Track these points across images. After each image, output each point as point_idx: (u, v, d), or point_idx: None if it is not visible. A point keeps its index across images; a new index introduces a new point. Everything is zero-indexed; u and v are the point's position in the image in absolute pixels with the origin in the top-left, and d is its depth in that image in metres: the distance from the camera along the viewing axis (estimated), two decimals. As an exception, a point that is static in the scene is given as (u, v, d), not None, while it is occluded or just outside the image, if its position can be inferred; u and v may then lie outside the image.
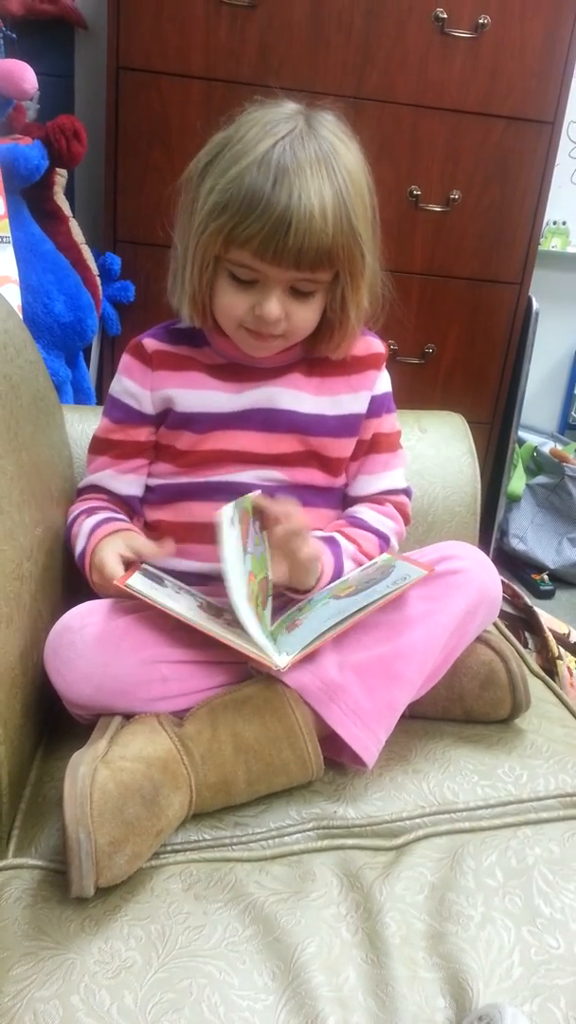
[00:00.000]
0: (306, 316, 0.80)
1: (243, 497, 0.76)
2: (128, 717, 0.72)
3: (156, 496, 0.89)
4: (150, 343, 0.88)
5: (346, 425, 0.89)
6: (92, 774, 0.62)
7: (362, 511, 0.90)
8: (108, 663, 0.71)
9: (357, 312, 0.82)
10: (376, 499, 0.91)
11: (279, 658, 0.70)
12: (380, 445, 0.92)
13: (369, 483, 0.91)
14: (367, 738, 0.72)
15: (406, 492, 0.94)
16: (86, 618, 0.73)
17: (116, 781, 0.62)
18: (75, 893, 0.59)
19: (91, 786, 0.61)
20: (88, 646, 0.71)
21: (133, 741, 0.67)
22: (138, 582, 0.74)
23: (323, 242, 0.73)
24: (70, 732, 0.76)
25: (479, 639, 0.83)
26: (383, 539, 0.88)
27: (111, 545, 0.79)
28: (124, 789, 0.62)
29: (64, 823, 0.59)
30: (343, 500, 0.93)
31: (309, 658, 0.74)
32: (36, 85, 1.39)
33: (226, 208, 0.73)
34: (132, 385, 0.88)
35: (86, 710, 0.73)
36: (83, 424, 1.05)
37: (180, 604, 0.74)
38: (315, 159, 0.73)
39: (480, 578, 0.79)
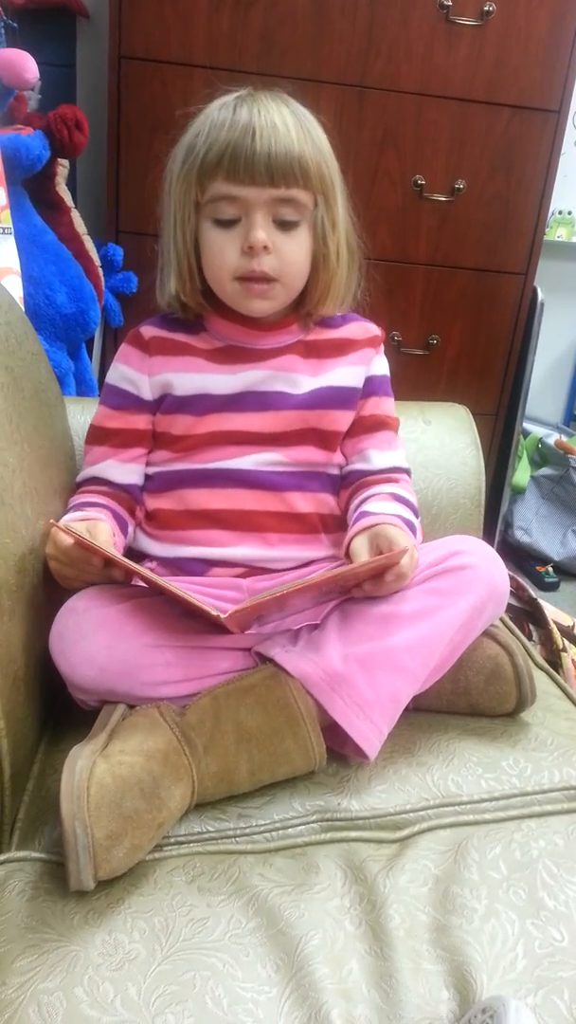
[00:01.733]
0: (294, 250, 0.81)
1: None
2: (131, 707, 0.72)
3: (155, 484, 0.89)
4: (147, 330, 0.88)
5: (343, 398, 0.89)
6: (90, 768, 0.62)
7: (392, 504, 0.86)
8: (112, 645, 0.71)
9: (338, 248, 0.84)
10: (389, 477, 0.90)
11: (214, 610, 0.69)
12: (387, 424, 0.92)
13: (381, 457, 0.90)
14: (369, 730, 0.71)
15: (408, 473, 0.94)
16: (91, 600, 0.74)
17: (114, 775, 0.62)
18: (74, 887, 0.59)
19: (89, 780, 0.60)
20: (93, 628, 0.72)
21: (133, 734, 0.67)
22: (76, 527, 0.74)
23: (290, 149, 0.77)
24: (74, 725, 0.76)
25: (485, 633, 0.83)
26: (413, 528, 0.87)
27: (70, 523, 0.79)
28: (122, 783, 0.62)
29: (61, 817, 0.59)
30: (344, 478, 0.91)
31: (313, 648, 0.74)
32: (38, 75, 1.38)
33: (193, 149, 0.79)
34: (129, 371, 0.88)
35: (89, 694, 0.73)
36: (85, 416, 1.04)
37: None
38: (271, 97, 0.80)
39: (488, 573, 0.79)
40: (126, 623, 0.73)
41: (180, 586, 0.72)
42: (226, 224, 0.79)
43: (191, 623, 0.75)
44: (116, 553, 0.73)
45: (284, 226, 0.80)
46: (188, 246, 0.82)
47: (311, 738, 0.70)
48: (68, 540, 0.75)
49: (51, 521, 0.74)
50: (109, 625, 0.72)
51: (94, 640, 0.71)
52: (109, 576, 0.76)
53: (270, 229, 0.79)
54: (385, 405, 0.92)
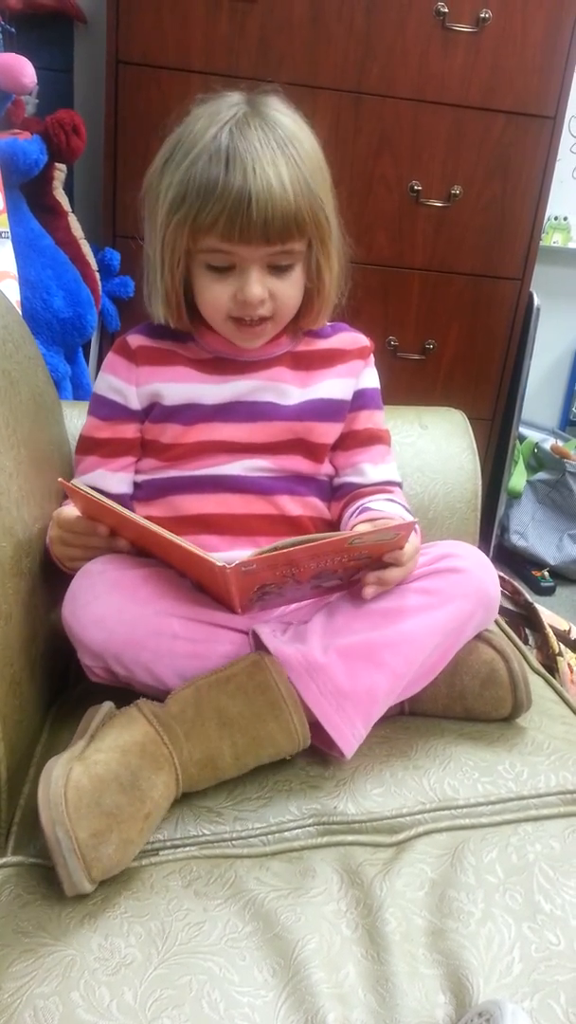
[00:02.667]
0: (289, 292, 0.81)
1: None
2: (111, 697, 0.72)
3: (144, 492, 0.89)
4: (134, 339, 0.88)
5: (331, 410, 0.89)
6: (67, 774, 0.62)
7: (387, 504, 0.88)
8: (123, 608, 0.72)
9: (331, 275, 0.84)
10: (383, 489, 0.90)
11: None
12: (380, 438, 0.92)
13: (375, 471, 0.91)
14: (341, 720, 0.71)
15: (401, 486, 0.94)
16: (107, 564, 0.75)
17: (90, 775, 0.62)
18: (69, 892, 0.59)
19: (65, 785, 0.61)
20: (107, 589, 0.73)
21: (108, 733, 0.67)
22: (82, 487, 0.74)
23: (287, 210, 0.75)
24: (71, 729, 0.76)
25: (480, 638, 0.83)
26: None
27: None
28: (98, 781, 0.62)
29: (42, 827, 0.59)
30: (337, 491, 0.92)
31: (298, 636, 0.74)
32: (35, 79, 1.38)
33: (184, 199, 0.75)
34: (117, 381, 0.88)
35: (96, 659, 0.73)
36: (82, 420, 1.03)
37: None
38: (263, 135, 0.76)
39: (480, 579, 0.79)
40: (140, 588, 0.73)
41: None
42: (220, 270, 0.79)
43: (200, 599, 0.76)
44: (125, 511, 0.73)
45: (278, 270, 0.80)
46: (178, 286, 0.82)
47: (293, 719, 0.70)
48: (73, 513, 0.76)
49: (60, 480, 0.75)
50: (123, 588, 0.73)
51: (107, 601, 0.72)
52: (114, 547, 0.77)
53: (264, 278, 0.79)
54: (377, 418, 0.93)
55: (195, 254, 0.79)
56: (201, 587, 0.77)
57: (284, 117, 0.79)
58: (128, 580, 0.74)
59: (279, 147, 0.75)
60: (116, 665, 0.73)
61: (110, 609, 0.72)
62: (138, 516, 0.73)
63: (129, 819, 0.62)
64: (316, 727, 0.71)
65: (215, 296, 0.80)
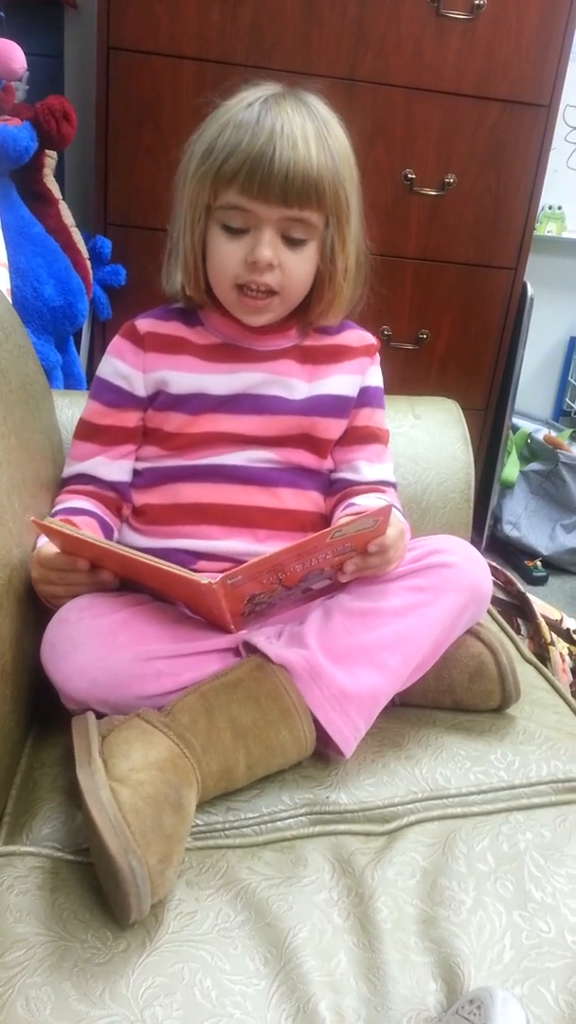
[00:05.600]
0: (299, 266, 0.81)
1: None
2: (100, 717, 0.69)
3: (144, 480, 0.88)
4: (142, 323, 0.87)
5: (338, 406, 0.89)
6: (113, 796, 0.58)
7: (373, 500, 0.87)
8: (104, 656, 0.70)
9: (346, 266, 0.83)
10: (377, 488, 0.90)
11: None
12: (378, 437, 0.92)
13: (371, 470, 0.90)
14: (345, 724, 0.71)
15: (395, 487, 0.94)
16: (83, 612, 0.73)
17: (143, 797, 0.59)
18: (134, 918, 0.56)
19: (121, 809, 0.58)
20: (84, 639, 0.71)
21: (132, 749, 0.64)
22: (55, 523, 0.72)
23: (308, 172, 0.75)
24: (62, 719, 0.76)
25: (469, 631, 0.83)
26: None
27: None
28: (154, 803, 0.59)
29: (108, 855, 0.55)
30: (332, 486, 0.91)
31: (297, 640, 0.74)
32: (25, 65, 1.37)
33: (212, 151, 0.77)
34: (123, 366, 0.87)
35: (81, 704, 0.72)
36: (73, 409, 1.04)
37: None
38: (295, 106, 0.78)
39: (471, 573, 0.79)
40: (118, 634, 0.72)
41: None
42: (234, 232, 0.79)
43: (184, 629, 0.74)
44: (101, 540, 0.72)
45: (291, 243, 0.79)
46: (196, 245, 0.81)
47: (303, 727, 0.70)
48: (52, 551, 0.74)
49: (33, 519, 0.72)
50: (101, 636, 0.71)
51: (86, 652, 0.70)
52: (97, 581, 0.76)
53: (277, 245, 0.79)
54: (377, 417, 0.92)
55: (214, 211, 0.79)
56: (191, 610, 0.76)
57: (320, 107, 0.81)
58: (106, 626, 0.72)
59: (310, 120, 0.78)
60: (102, 707, 0.71)
61: (90, 658, 0.70)
62: (118, 546, 0.72)
63: (181, 839, 0.60)
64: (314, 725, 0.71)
65: (225, 256, 0.80)
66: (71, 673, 0.70)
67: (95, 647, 0.71)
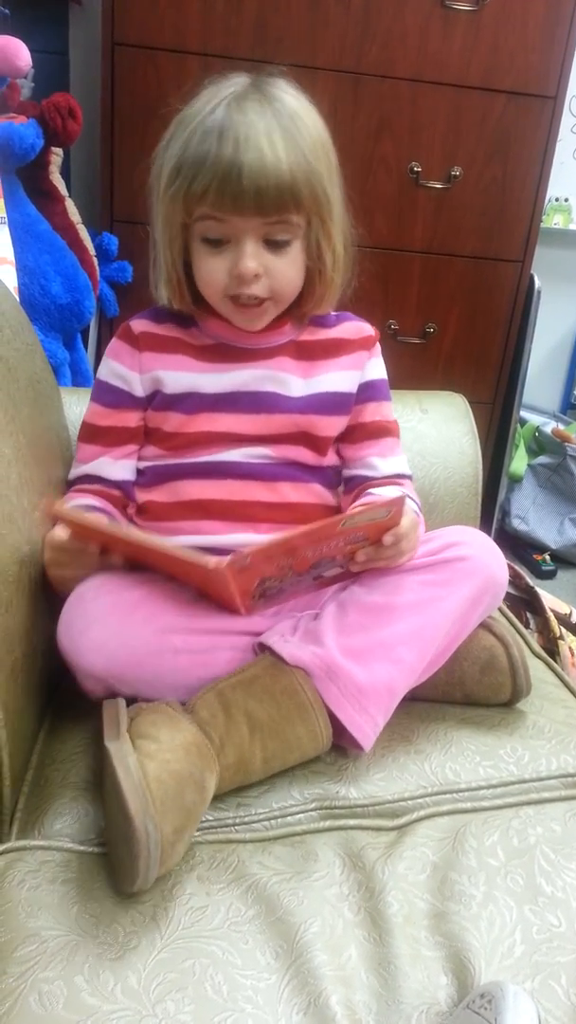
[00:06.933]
0: (285, 270, 0.79)
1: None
2: (129, 703, 0.71)
3: (146, 478, 0.89)
4: (137, 324, 0.87)
5: (336, 403, 0.88)
6: (141, 766, 0.61)
7: (397, 490, 0.87)
8: (122, 632, 0.71)
9: (334, 258, 0.81)
10: (394, 481, 0.89)
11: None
12: (388, 431, 0.91)
13: (385, 464, 0.90)
14: (364, 721, 0.71)
15: (411, 479, 0.94)
16: (100, 588, 0.74)
17: (169, 771, 0.61)
18: (138, 886, 0.58)
19: (146, 778, 0.60)
20: (102, 614, 0.72)
21: (160, 731, 0.66)
22: (67, 510, 0.73)
23: (281, 180, 0.73)
24: (73, 715, 0.76)
25: (481, 624, 0.83)
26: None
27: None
28: (179, 778, 0.61)
29: (128, 815, 0.57)
30: (347, 484, 0.91)
31: (311, 638, 0.74)
32: (30, 62, 1.37)
33: (179, 172, 0.75)
34: (120, 368, 0.87)
35: (98, 682, 0.72)
36: (81, 406, 1.03)
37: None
38: (259, 108, 0.75)
39: (487, 564, 0.78)
40: (135, 610, 0.73)
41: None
42: (215, 243, 0.77)
43: (199, 608, 0.75)
44: (113, 526, 0.73)
45: (275, 245, 0.77)
46: (176, 261, 0.80)
47: (319, 722, 0.70)
48: (63, 535, 0.74)
49: (46, 505, 0.72)
50: (118, 612, 0.72)
51: (103, 627, 0.71)
52: (106, 564, 0.76)
53: (260, 252, 0.77)
54: (385, 410, 0.92)
55: (191, 226, 0.78)
56: (203, 593, 0.77)
57: (286, 95, 0.77)
58: (123, 603, 0.73)
59: (275, 119, 0.74)
60: (119, 685, 0.72)
61: (107, 633, 0.71)
62: (127, 530, 0.72)
63: (196, 818, 0.62)
64: (329, 718, 0.72)
65: (211, 271, 0.79)
66: (87, 650, 0.71)
67: (112, 623, 0.71)
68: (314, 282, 0.83)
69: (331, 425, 0.88)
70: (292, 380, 0.86)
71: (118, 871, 0.60)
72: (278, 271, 0.78)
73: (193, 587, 0.77)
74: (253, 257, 0.76)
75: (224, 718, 0.69)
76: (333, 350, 0.88)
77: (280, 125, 0.74)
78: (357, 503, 0.84)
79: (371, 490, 0.87)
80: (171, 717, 0.68)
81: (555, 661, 0.96)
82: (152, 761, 0.62)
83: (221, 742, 0.67)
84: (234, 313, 0.81)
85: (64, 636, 0.72)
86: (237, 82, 0.78)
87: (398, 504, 0.71)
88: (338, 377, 0.88)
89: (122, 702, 0.71)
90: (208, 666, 0.73)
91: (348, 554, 0.74)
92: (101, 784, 0.67)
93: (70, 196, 1.56)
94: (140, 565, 0.78)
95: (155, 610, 0.73)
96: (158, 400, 0.86)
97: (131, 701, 0.72)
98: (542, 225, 1.76)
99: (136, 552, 0.75)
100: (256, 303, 0.80)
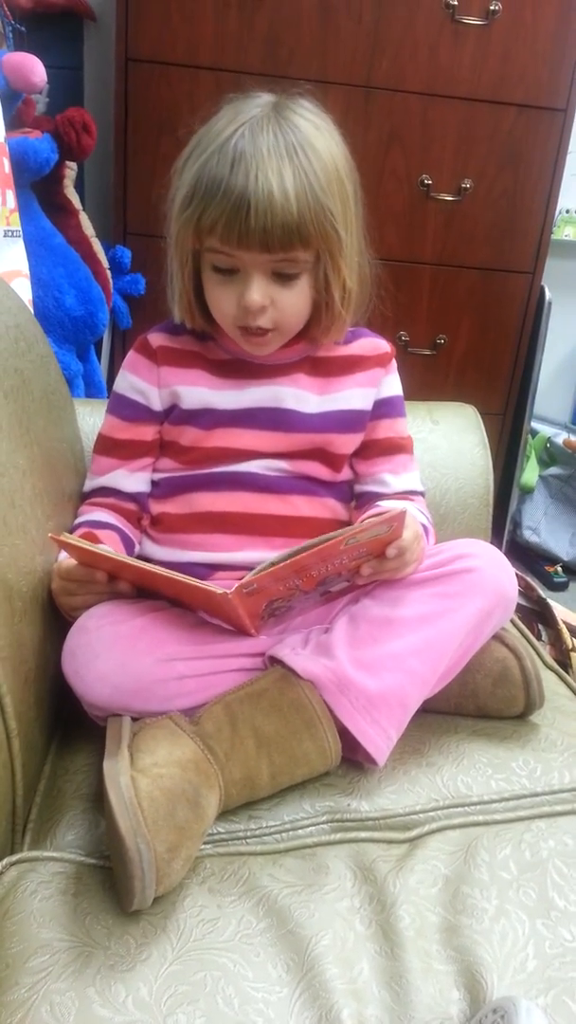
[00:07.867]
0: (293, 302, 0.79)
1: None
2: (135, 719, 0.71)
3: (160, 490, 0.89)
4: (155, 338, 0.88)
5: (351, 421, 0.88)
6: (132, 784, 0.61)
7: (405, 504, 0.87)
8: (126, 663, 0.71)
9: (342, 292, 0.81)
10: (405, 497, 0.90)
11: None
12: (402, 447, 0.92)
13: (397, 481, 0.90)
14: (377, 734, 0.71)
15: (423, 495, 0.94)
16: (103, 619, 0.73)
17: (160, 788, 0.61)
18: (136, 905, 0.58)
19: (137, 795, 0.60)
20: (105, 646, 0.71)
21: (158, 746, 0.66)
22: (73, 539, 0.73)
23: (288, 220, 0.73)
24: (85, 726, 0.76)
25: (493, 636, 0.82)
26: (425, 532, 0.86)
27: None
28: (170, 794, 0.61)
29: (120, 836, 0.57)
30: (359, 499, 0.91)
31: (322, 651, 0.74)
32: (45, 78, 1.38)
33: (192, 199, 0.75)
34: (139, 381, 0.88)
35: (104, 711, 0.73)
36: (94, 418, 1.05)
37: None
38: (274, 139, 0.74)
39: (496, 577, 0.78)
40: (138, 639, 0.72)
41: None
42: (224, 272, 0.78)
43: (203, 633, 0.75)
44: (120, 555, 0.73)
45: (283, 278, 0.77)
46: (188, 283, 0.81)
47: (328, 737, 0.70)
48: (70, 563, 0.75)
49: (51, 535, 0.73)
50: (121, 643, 0.72)
51: (107, 659, 0.71)
52: (115, 591, 0.76)
53: (267, 285, 0.77)
54: (399, 427, 0.92)
55: (202, 253, 0.78)
56: (210, 616, 0.77)
57: (305, 122, 0.76)
58: (125, 633, 0.72)
59: (288, 153, 0.74)
60: (126, 714, 0.72)
61: (112, 664, 0.71)
62: (134, 560, 0.73)
63: (193, 836, 0.61)
64: (343, 733, 0.71)
65: (220, 301, 0.79)
66: (93, 681, 0.71)
67: (116, 654, 0.71)
68: (320, 314, 0.82)
69: (347, 442, 0.88)
70: (308, 397, 0.86)
71: (119, 890, 0.60)
72: (285, 303, 0.78)
73: (201, 611, 0.77)
74: (259, 291, 0.76)
75: (230, 732, 0.69)
76: (349, 367, 0.88)
77: (291, 161, 0.73)
78: (361, 518, 0.84)
79: (379, 502, 0.87)
80: (173, 732, 0.68)
81: (567, 673, 0.95)
82: (145, 777, 0.62)
83: (226, 756, 0.67)
84: (242, 340, 0.82)
85: (68, 667, 0.72)
86: (258, 103, 0.77)
87: (399, 519, 0.71)
88: (353, 394, 0.88)
89: (127, 718, 0.71)
90: (215, 687, 0.73)
91: (353, 569, 0.74)
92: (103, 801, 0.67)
93: (84, 209, 1.58)
94: (148, 591, 0.79)
95: (158, 638, 0.73)
96: (175, 414, 0.87)
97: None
98: (552, 237, 1.77)
99: (143, 579, 0.76)
100: (262, 333, 0.80)
